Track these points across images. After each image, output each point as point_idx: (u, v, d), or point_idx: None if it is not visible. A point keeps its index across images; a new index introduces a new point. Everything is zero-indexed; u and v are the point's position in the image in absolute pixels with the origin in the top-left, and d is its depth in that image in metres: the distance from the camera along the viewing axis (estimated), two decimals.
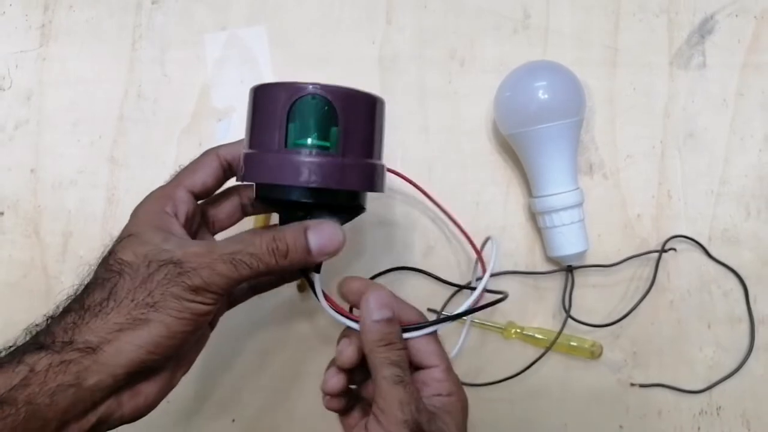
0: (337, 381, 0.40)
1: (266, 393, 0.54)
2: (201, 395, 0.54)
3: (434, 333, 0.40)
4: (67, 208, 0.56)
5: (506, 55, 0.56)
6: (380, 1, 0.57)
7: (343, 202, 0.38)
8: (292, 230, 0.36)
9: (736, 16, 0.56)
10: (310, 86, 0.36)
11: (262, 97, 0.38)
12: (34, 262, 0.55)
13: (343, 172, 0.36)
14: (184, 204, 0.39)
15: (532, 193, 0.53)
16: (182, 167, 0.41)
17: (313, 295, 0.40)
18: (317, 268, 0.40)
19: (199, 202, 0.41)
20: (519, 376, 0.52)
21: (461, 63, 0.56)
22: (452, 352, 0.52)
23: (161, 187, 0.40)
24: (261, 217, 0.49)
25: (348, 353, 0.39)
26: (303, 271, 0.40)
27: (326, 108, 0.36)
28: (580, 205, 0.51)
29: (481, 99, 0.55)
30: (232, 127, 0.56)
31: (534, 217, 0.53)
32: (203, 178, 0.40)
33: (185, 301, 0.35)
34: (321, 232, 0.37)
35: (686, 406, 0.53)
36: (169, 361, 0.37)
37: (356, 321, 0.39)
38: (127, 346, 0.34)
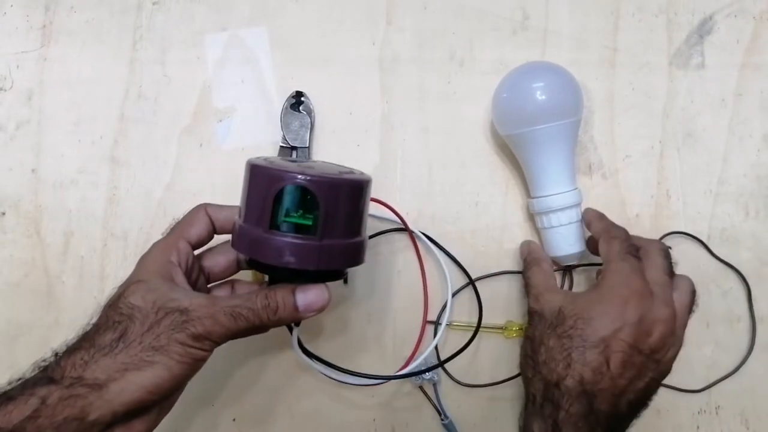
0: None
1: (266, 392, 0.54)
2: (201, 394, 0.54)
3: None
4: (68, 208, 0.56)
5: (505, 56, 0.56)
6: (380, 3, 0.57)
7: (324, 275, 0.42)
8: (282, 290, 0.41)
9: (735, 16, 0.56)
10: (299, 176, 0.39)
11: (255, 176, 0.41)
12: (35, 261, 0.55)
13: (320, 254, 0.40)
14: (185, 254, 0.43)
15: (531, 194, 0.53)
16: (176, 220, 0.46)
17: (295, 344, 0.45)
18: (297, 323, 0.45)
19: (196, 252, 0.45)
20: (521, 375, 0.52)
21: (460, 64, 0.56)
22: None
23: (164, 239, 0.44)
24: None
25: None
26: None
27: (308, 197, 0.39)
28: (578, 205, 0.51)
29: (481, 100, 0.56)
30: (233, 128, 0.56)
31: (533, 217, 0.54)
32: (198, 231, 0.45)
33: (187, 347, 0.38)
34: (308, 293, 0.41)
35: (685, 405, 0.53)
36: (161, 402, 0.40)
37: (329, 366, 0.46)
38: (131, 386, 0.37)
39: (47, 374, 0.37)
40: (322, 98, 0.55)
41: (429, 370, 0.51)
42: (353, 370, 0.47)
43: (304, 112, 0.54)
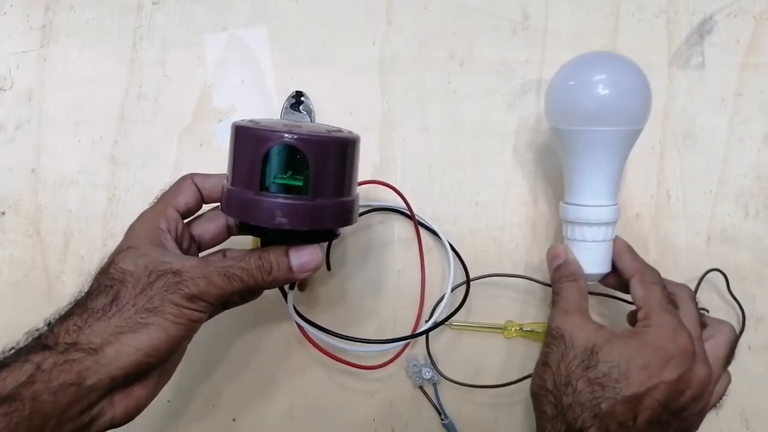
0: None
1: (266, 392, 0.54)
2: (202, 394, 0.54)
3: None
4: (68, 208, 0.56)
5: (505, 56, 0.56)
6: (380, 2, 0.57)
7: (316, 236, 0.42)
8: (276, 251, 0.41)
9: (735, 16, 0.56)
10: (285, 135, 0.39)
11: (242, 138, 0.41)
12: (36, 262, 0.55)
13: (313, 214, 0.40)
14: (174, 221, 0.43)
15: (566, 198, 0.48)
16: (163, 191, 0.45)
17: (291, 308, 0.46)
18: (291, 286, 0.46)
19: (185, 221, 0.44)
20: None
21: (460, 64, 0.56)
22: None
23: (152, 207, 0.44)
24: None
25: None
26: (280, 287, 0.45)
27: (297, 156, 0.39)
28: (615, 222, 0.47)
29: (481, 99, 0.56)
30: None
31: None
32: (186, 199, 0.44)
33: (182, 307, 0.38)
34: (301, 253, 0.41)
35: None
36: (159, 365, 0.39)
37: (325, 331, 0.47)
38: (127, 348, 0.36)
39: (41, 341, 0.36)
40: (322, 98, 0.55)
41: (429, 330, 0.51)
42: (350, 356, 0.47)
43: (304, 112, 0.54)
